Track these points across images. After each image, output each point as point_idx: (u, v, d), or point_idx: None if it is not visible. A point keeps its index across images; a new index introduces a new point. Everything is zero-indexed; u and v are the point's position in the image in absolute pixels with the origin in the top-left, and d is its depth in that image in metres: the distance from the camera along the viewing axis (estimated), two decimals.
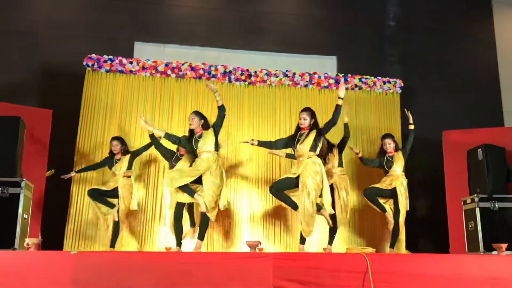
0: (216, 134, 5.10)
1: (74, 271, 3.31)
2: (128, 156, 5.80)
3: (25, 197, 4.57)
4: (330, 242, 5.73)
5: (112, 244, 5.57)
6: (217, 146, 5.13)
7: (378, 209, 5.64)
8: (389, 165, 5.70)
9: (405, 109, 6.19)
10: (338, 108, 4.88)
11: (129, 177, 5.77)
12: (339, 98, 4.88)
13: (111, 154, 5.85)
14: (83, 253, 3.58)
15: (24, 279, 3.27)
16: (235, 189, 6.50)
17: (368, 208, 6.50)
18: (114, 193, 5.65)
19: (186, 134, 5.25)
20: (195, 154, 5.08)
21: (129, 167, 5.79)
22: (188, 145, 5.14)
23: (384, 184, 5.64)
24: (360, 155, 5.87)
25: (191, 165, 5.05)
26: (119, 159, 5.78)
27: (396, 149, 5.78)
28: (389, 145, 5.77)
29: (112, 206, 5.67)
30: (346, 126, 5.99)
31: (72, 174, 5.90)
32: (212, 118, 5.28)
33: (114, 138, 5.87)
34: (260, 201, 6.51)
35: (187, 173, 4.94)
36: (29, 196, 4.76)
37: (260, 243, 4.65)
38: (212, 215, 4.98)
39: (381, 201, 5.68)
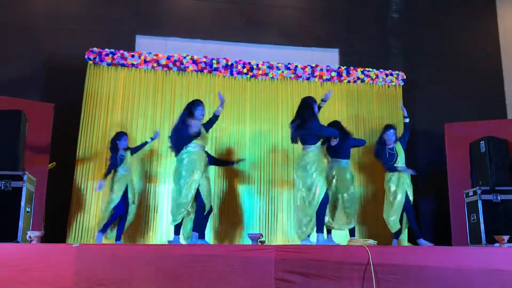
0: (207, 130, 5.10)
1: (76, 264, 3.33)
2: (128, 152, 5.75)
3: (28, 190, 4.59)
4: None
5: (118, 237, 5.58)
6: None
7: None
8: (391, 158, 5.67)
9: (399, 103, 6.20)
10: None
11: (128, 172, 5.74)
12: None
13: (116, 149, 5.71)
14: (85, 245, 3.59)
15: (26, 271, 3.28)
16: (238, 182, 6.50)
17: (371, 201, 6.53)
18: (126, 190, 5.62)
19: None
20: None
21: (128, 163, 5.73)
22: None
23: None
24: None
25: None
26: (123, 155, 5.69)
27: (396, 140, 5.76)
28: (392, 137, 5.73)
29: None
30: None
31: None
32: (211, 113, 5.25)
33: (124, 133, 5.77)
34: (263, 194, 6.51)
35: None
36: (31, 190, 4.78)
37: (262, 236, 4.66)
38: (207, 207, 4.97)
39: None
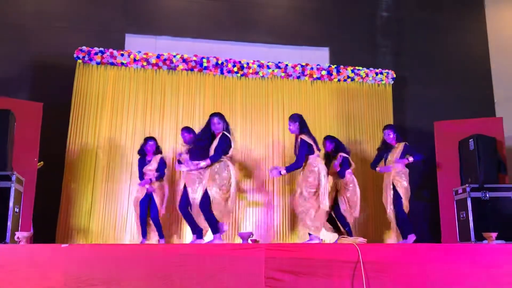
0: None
1: (65, 264, 3.30)
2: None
3: (16, 190, 4.54)
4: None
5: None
6: None
7: None
8: (387, 157, 5.68)
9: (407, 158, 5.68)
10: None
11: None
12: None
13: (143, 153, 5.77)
14: (74, 245, 3.57)
15: (15, 272, 3.26)
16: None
17: (361, 199, 6.53)
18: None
19: (178, 126, 5.19)
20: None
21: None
22: None
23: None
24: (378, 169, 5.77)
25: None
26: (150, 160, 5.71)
27: (398, 140, 5.67)
28: (389, 135, 5.65)
29: None
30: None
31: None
32: (204, 113, 5.20)
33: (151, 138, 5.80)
34: (255, 192, 6.51)
35: None
36: (20, 190, 4.73)
37: (253, 234, 4.66)
38: None
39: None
